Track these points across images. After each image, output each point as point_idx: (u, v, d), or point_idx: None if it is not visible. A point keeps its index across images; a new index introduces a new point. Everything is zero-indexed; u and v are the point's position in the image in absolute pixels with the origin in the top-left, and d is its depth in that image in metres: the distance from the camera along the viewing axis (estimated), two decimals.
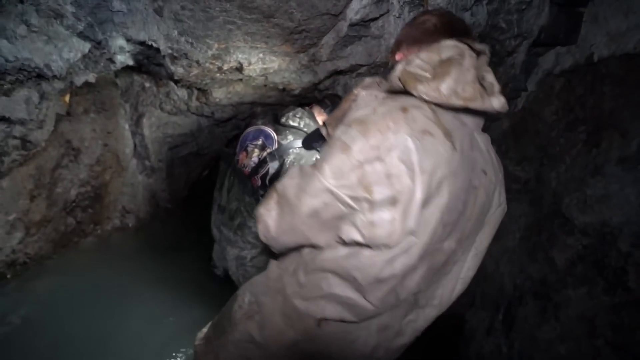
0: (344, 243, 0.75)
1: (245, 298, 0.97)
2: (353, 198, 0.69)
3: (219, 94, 2.06)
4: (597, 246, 1.37)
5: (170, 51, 1.42)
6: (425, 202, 0.68)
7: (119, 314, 1.66)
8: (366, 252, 0.72)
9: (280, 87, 1.88)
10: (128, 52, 1.41)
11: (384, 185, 0.67)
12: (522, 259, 1.75)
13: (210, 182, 2.78)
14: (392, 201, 0.67)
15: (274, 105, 2.20)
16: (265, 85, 1.92)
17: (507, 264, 1.83)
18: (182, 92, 2.13)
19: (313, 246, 0.80)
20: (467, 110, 0.74)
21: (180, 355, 1.58)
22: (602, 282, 1.32)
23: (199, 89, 2.03)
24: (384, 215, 0.68)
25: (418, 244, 0.70)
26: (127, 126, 2.16)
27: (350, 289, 0.76)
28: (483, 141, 0.81)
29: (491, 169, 0.80)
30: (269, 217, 0.82)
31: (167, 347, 1.61)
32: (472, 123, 0.78)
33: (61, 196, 1.81)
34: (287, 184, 0.78)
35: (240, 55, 1.53)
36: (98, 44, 1.28)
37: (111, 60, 1.42)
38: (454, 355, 1.96)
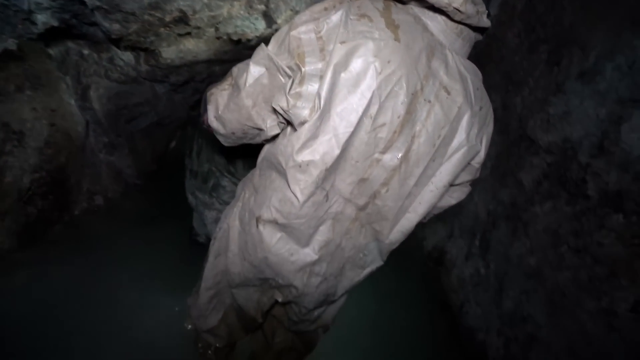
0: (277, 122, 0.81)
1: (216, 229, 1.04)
2: (289, 67, 0.74)
3: (169, 54, 1.87)
4: (561, 162, 1.43)
5: (98, 3, 1.24)
6: (348, 81, 0.70)
7: (101, 301, 1.60)
8: (288, 134, 0.78)
9: (235, 38, 1.73)
10: (48, 8, 1.22)
11: (315, 57, 0.70)
12: (494, 187, 1.83)
13: (179, 154, 2.65)
14: (320, 75, 0.71)
15: (233, 62, 2.03)
16: (218, 38, 1.76)
17: (481, 193, 1.91)
18: (127, 56, 1.91)
19: (258, 129, 0.83)
20: (434, 19, 0.76)
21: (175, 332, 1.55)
22: (565, 194, 1.40)
23: (144, 50, 1.83)
24: (311, 88, 0.71)
25: (340, 130, 0.72)
26: (72, 101, 1.95)
27: (280, 179, 0.80)
28: (461, 63, 0.79)
29: (461, 94, 0.77)
30: (220, 96, 0.86)
31: (159, 323, 1.57)
32: (443, 37, 0.76)
33: (13, 185, 1.67)
34: (241, 66, 0.83)
35: (181, 2, 1.37)
36: (6, 0, 1.09)
37: (30, 21, 1.23)
38: (437, 283, 2.10)
